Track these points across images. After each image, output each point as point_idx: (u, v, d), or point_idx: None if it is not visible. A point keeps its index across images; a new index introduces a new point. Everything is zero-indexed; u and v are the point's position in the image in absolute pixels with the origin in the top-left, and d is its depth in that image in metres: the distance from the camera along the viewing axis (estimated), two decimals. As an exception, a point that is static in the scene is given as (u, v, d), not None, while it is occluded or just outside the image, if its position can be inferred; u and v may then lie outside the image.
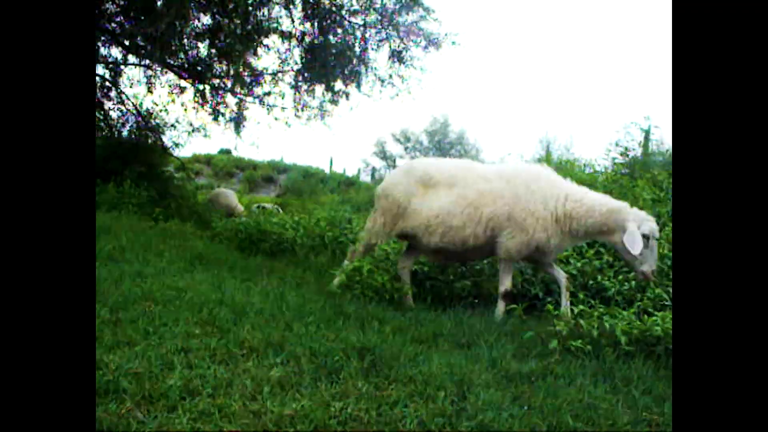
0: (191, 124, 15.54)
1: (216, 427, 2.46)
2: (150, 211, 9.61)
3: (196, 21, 14.48)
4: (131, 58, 14.96)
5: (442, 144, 28.38)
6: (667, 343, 4.00)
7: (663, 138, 11.91)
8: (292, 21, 14.77)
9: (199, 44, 15.08)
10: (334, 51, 13.92)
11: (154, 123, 15.08)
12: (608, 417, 3.00)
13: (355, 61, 14.34)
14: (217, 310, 4.06)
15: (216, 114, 15.22)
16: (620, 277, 5.52)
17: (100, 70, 15.29)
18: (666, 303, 4.93)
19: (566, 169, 10.07)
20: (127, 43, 14.41)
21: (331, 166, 30.30)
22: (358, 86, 14.26)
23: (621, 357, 3.90)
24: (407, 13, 13.87)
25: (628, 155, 11.08)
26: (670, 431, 2.94)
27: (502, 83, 64.10)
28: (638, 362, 3.82)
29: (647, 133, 11.46)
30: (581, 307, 4.30)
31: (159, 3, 13.30)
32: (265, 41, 15.30)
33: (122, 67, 14.98)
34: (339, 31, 14.17)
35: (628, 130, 11.31)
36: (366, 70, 14.32)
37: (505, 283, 5.02)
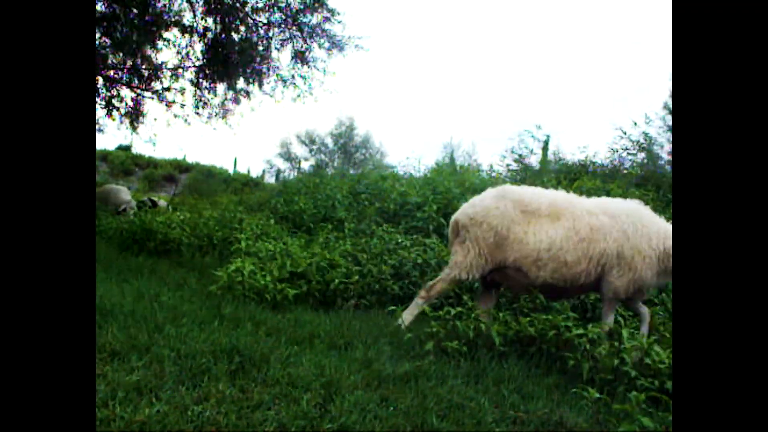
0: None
1: (57, 434, 2.32)
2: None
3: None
4: None
5: (347, 147, 28.43)
6: (542, 343, 4.12)
7: (560, 146, 12.40)
8: (194, 15, 14.41)
9: (92, 34, 14.45)
10: (236, 48, 13.66)
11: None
12: (474, 416, 3.05)
13: (258, 59, 14.13)
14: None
15: (110, 108, 14.64)
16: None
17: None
18: (545, 304, 5.10)
19: (464, 174, 10.29)
20: None
21: (235, 167, 29.73)
22: (260, 85, 14.06)
23: (495, 357, 3.98)
24: (312, 14, 13.79)
25: (522, 162, 11.46)
26: (533, 429, 3.03)
27: (407, 88, 65.03)
28: (511, 362, 3.91)
29: (546, 142, 11.90)
30: (458, 309, 4.36)
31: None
32: (165, 34, 14.85)
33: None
34: (242, 28, 13.93)
35: (522, 138, 11.71)
36: (268, 69, 14.14)
37: (609, 322, 4.73)
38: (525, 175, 10.58)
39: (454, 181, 8.30)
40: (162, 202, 12.76)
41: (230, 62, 13.96)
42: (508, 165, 11.34)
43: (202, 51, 14.72)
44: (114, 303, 4.16)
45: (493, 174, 10.97)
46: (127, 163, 26.66)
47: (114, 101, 14.62)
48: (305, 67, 13.96)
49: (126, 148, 28.45)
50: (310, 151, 29.31)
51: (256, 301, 4.84)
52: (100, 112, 14.87)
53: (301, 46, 13.83)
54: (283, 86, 14.08)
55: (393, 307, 4.79)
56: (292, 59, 13.97)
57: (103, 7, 13.59)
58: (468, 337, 4.13)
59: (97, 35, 14.38)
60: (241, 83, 14.60)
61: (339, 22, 13.49)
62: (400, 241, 6.37)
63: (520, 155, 11.58)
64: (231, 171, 29.18)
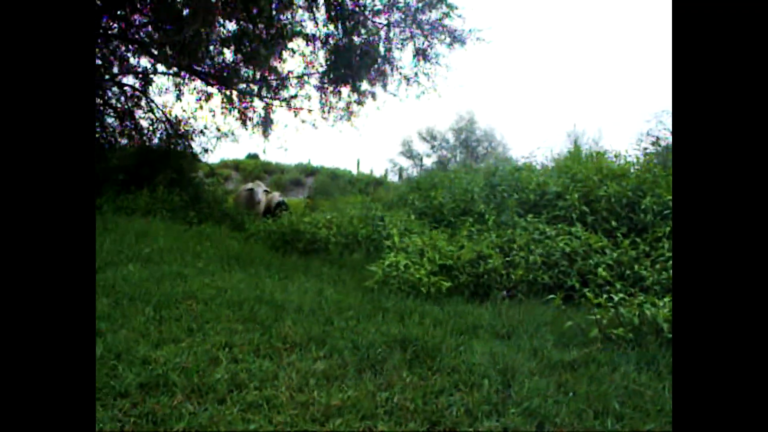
0: (219, 130, 15.71)
1: (265, 417, 2.49)
2: (183, 215, 9.74)
3: (222, 27, 14.65)
4: (160, 67, 15.16)
5: (468, 141, 28.30)
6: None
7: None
8: (316, 23, 14.87)
9: (225, 50, 15.25)
10: (358, 51, 13.98)
11: (183, 130, 15.26)
12: (656, 402, 2.97)
13: (379, 60, 14.38)
14: (257, 307, 4.10)
15: (244, 119, 15.38)
16: (657, 266, 5.45)
17: (130, 80, 15.54)
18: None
19: (596, 161, 9.97)
20: (156, 52, 14.61)
21: (358, 167, 30.40)
22: (384, 86, 14.29)
23: (663, 345, 3.85)
24: (430, 11, 13.87)
25: (660, 145, 10.90)
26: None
27: (528, 77, 63.49)
28: (682, 349, 3.77)
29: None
30: (620, 295, 4.26)
31: (185, 12, 13.49)
32: (290, 45, 15.41)
33: (152, 76, 15.17)
34: (363, 31, 14.21)
35: (659, 119, 11.11)
36: (391, 69, 14.34)
37: None
38: (664, 158, 10.08)
39: (593, 168, 8.07)
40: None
41: (353, 66, 14.29)
42: (645, 148, 10.82)
43: (325, 57, 15.15)
44: (283, 298, 4.39)
45: (630, 158, 10.55)
46: (257, 170, 27.88)
47: (247, 112, 15.33)
48: (427, 64, 14.05)
49: (254, 156, 29.73)
50: (432, 147, 29.42)
51: (411, 294, 4.94)
52: (235, 124, 15.64)
53: (422, 44, 13.93)
54: (407, 85, 14.24)
55: (552, 296, 4.74)
56: (414, 57, 14.10)
57: (235, 25, 14.30)
58: (633, 324, 4.02)
59: (229, 52, 15.18)
60: (364, 85, 14.90)
61: (459, 17, 13.46)
62: (544, 230, 6.29)
63: (657, 137, 11.02)
64: (354, 172, 29.84)
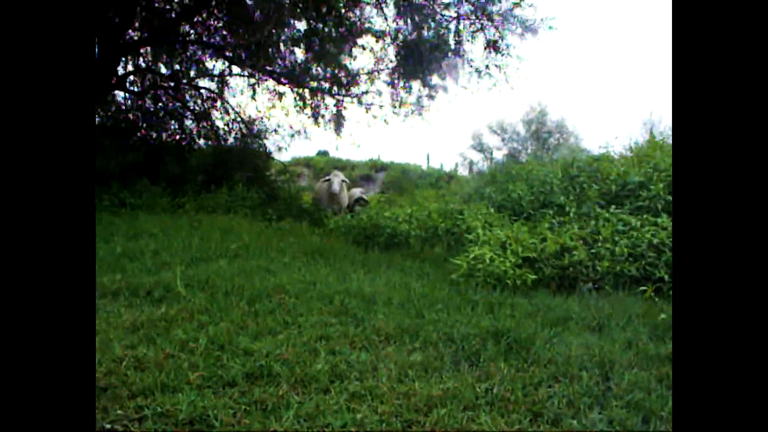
0: (292, 128, 15.97)
1: (369, 407, 2.53)
2: (262, 212, 9.98)
3: (292, 28, 14.88)
4: (234, 69, 15.52)
5: (540, 133, 27.82)
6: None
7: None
8: (385, 19, 14.91)
9: (296, 50, 15.48)
10: (428, 46, 13.95)
11: (257, 129, 15.58)
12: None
13: (450, 54, 14.32)
14: (347, 300, 4.17)
15: (316, 116, 15.58)
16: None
17: (206, 83, 15.96)
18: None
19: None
20: (230, 55, 14.98)
21: (428, 162, 30.39)
22: (456, 79, 14.20)
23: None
24: (500, 1, 13.70)
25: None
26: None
27: (600, 65, 61.81)
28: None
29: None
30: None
31: (257, 15, 13.78)
32: (360, 41, 15.52)
33: (228, 78, 15.54)
34: (432, 25, 14.17)
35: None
36: (462, 62, 14.25)
37: None
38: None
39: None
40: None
41: (423, 60, 14.28)
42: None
43: (395, 53, 15.18)
44: (372, 291, 4.44)
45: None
46: (327, 166, 28.21)
47: (319, 110, 15.53)
48: (498, 55, 13.88)
49: (325, 153, 30.08)
50: (502, 140, 29.06)
51: (497, 287, 4.92)
52: (307, 121, 15.86)
53: (493, 35, 13.77)
54: (478, 77, 14.11)
55: (642, 288, 4.63)
56: (484, 49, 13.96)
57: (305, 25, 14.50)
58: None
59: (300, 51, 15.41)
60: (435, 79, 14.87)
61: (530, 6, 13.24)
62: (629, 221, 6.14)
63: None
64: (424, 167, 29.83)
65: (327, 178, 13.85)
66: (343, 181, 13.80)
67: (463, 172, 28.36)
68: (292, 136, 15.72)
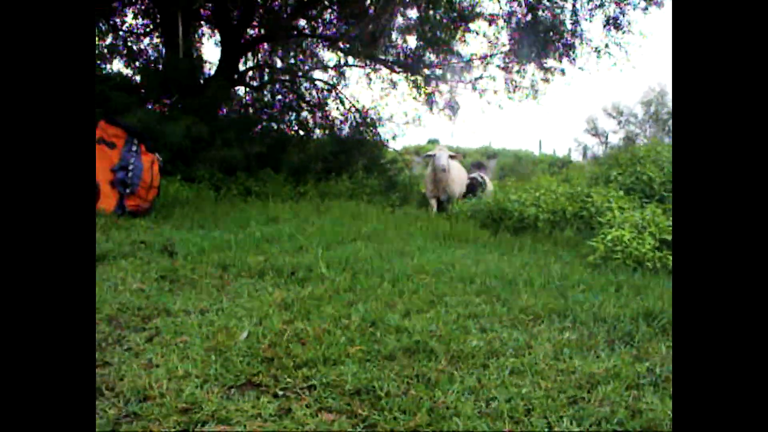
0: (406, 116, 16.09)
1: (531, 383, 2.51)
2: (383, 199, 10.14)
3: (405, 16, 14.94)
4: (349, 60, 15.80)
5: (659, 115, 26.58)
6: None
7: None
8: (498, 1, 14.68)
9: (408, 38, 15.54)
10: (543, 27, 13.61)
11: (371, 118, 15.79)
12: None
13: (566, 34, 13.90)
14: (488, 280, 4.16)
15: (430, 103, 15.60)
16: None
17: (321, 74, 16.32)
18: None
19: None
20: (344, 46, 15.24)
21: (540, 148, 29.81)
22: (573, 60, 13.79)
23: None
24: (622, -26, 13.16)
25: None
26: None
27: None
28: None
29: None
30: None
31: (368, 4, 13.92)
32: (472, 26, 15.38)
33: (344, 68, 15.83)
34: (547, 4, 13.80)
35: None
36: (579, 42, 13.81)
37: None
38: None
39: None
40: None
41: (538, 42, 13.95)
42: None
43: (508, 36, 14.92)
44: (511, 272, 4.42)
45: None
46: (438, 155, 28.23)
47: (433, 97, 15.53)
48: (619, 32, 13.36)
49: (435, 141, 30.10)
50: (618, 123, 28.01)
51: (637, 270, 4.76)
52: (421, 109, 15.91)
53: (614, 11, 13.25)
54: (597, 57, 13.64)
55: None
56: (604, 27, 13.47)
57: (416, 12, 14.53)
58: None
59: (412, 39, 15.47)
60: (550, 61, 14.50)
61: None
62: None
63: None
64: (536, 153, 29.28)
65: (430, 153, 10.78)
66: (451, 156, 10.52)
67: (576, 157, 27.59)
68: (406, 123, 15.83)
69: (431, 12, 14.29)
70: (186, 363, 2.65)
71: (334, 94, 15.83)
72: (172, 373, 2.53)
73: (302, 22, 15.50)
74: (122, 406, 2.25)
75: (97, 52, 13.76)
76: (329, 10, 15.31)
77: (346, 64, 15.88)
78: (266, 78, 15.93)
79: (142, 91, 11.83)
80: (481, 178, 12.22)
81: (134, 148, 7.26)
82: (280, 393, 2.41)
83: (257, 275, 4.28)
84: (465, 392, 2.42)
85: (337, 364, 2.67)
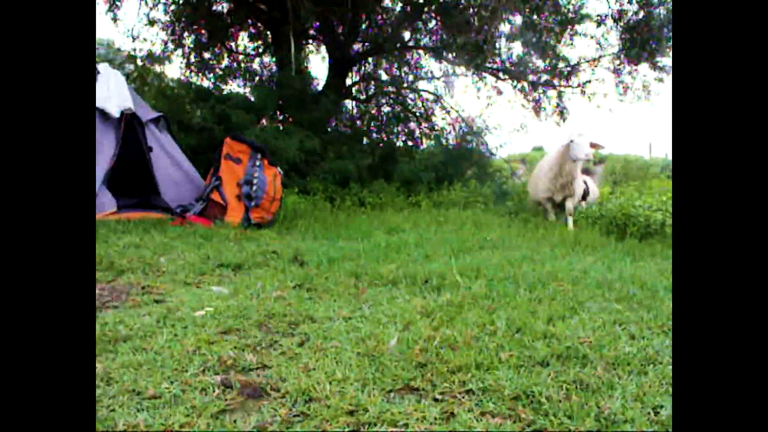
0: (512, 123, 15.97)
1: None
2: (496, 208, 10.08)
3: (509, 23, 14.82)
4: (449, 69, 15.85)
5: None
6: None
7: None
8: (608, 1, 14.33)
9: (513, 44, 15.42)
10: (658, 23, 13.14)
11: (476, 127, 15.75)
12: None
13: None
14: (627, 287, 4.05)
15: (537, 110, 15.40)
16: None
17: (425, 85, 16.45)
18: None
19: None
20: (449, 55, 15.30)
21: (650, 152, 28.69)
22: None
23: None
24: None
25: None
26: None
27: None
28: None
29: None
30: None
31: (469, 13, 13.91)
32: (579, 29, 15.07)
33: (451, 78, 15.91)
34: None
35: None
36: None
37: None
38: None
39: None
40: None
41: (651, 40, 13.49)
42: None
43: (618, 36, 14.53)
44: (650, 278, 4.29)
45: None
46: (543, 162, 27.72)
47: (541, 103, 15.33)
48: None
49: (539, 149, 29.63)
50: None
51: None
52: (528, 115, 15.72)
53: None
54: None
55: None
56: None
57: (521, 18, 14.39)
58: None
59: (517, 45, 15.33)
60: (665, 59, 13.99)
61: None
62: None
63: None
64: (645, 157, 28.21)
65: (569, 139, 8.02)
66: (593, 145, 8.15)
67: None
68: (515, 131, 15.71)
69: (536, 17, 14.13)
70: (341, 367, 2.72)
71: (439, 103, 15.92)
72: (331, 377, 2.61)
73: (406, 35, 15.69)
74: (290, 406, 2.34)
75: (216, 74, 14.49)
76: (433, 21, 15.43)
77: (451, 73, 15.93)
78: (372, 90, 16.22)
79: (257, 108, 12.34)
80: (585, 183, 11.70)
81: (258, 163, 7.58)
82: (439, 397, 2.44)
83: (390, 283, 4.35)
84: (629, 399, 2.37)
85: (491, 369, 2.68)
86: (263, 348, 3.03)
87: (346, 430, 2.17)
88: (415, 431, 2.14)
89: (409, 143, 14.80)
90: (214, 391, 2.43)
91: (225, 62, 15.42)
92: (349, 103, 15.84)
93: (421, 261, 5.04)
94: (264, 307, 3.67)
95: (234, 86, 15.62)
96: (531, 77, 15.16)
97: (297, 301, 3.91)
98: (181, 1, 14.74)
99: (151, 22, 14.89)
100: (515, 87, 15.37)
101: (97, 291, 4.10)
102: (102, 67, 8.09)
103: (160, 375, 2.57)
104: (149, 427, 2.10)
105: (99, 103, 7.59)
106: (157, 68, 15.07)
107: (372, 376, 2.62)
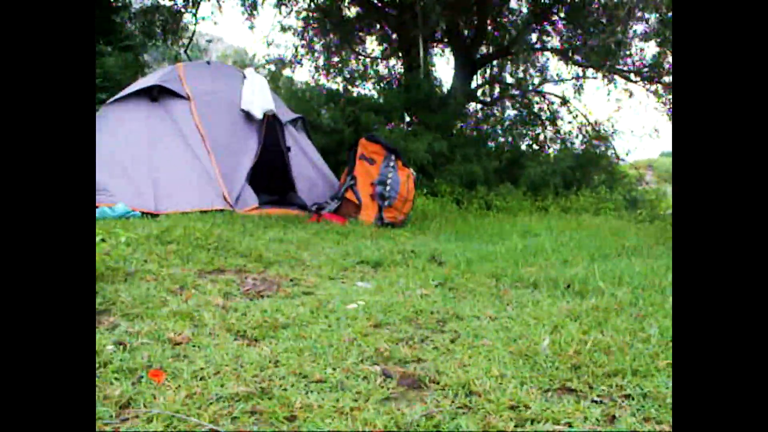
0: (644, 128, 15.45)
1: None
2: (626, 214, 9.83)
3: (644, 21, 14.33)
4: (584, 72, 15.51)
5: None
6: None
7: None
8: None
9: (645, 45, 14.89)
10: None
11: (604, 132, 15.35)
12: None
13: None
14: None
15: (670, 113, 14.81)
16: None
17: (551, 87, 16.19)
18: None
19: None
20: (578, 58, 14.99)
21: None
22: None
23: None
24: None
25: None
26: None
27: None
28: None
29: None
30: None
31: (599, 13, 13.55)
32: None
33: (579, 81, 15.61)
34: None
35: None
36: None
37: None
38: None
39: None
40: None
41: None
42: None
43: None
44: None
45: None
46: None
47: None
48: None
49: (667, 155, 28.46)
50: None
51: None
52: (661, 119, 15.12)
53: None
54: None
55: None
56: None
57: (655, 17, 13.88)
58: None
59: (650, 46, 14.77)
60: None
61: None
62: None
63: None
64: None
65: None
66: None
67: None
68: (646, 136, 15.20)
69: (671, 14, 13.58)
70: (495, 364, 2.81)
71: (566, 107, 15.64)
72: (488, 373, 2.70)
73: (533, 37, 15.52)
74: (452, 398, 2.45)
75: (345, 76, 14.95)
76: (561, 23, 15.18)
77: (580, 76, 15.60)
78: (498, 93, 16.17)
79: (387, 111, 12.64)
80: None
81: (392, 164, 7.80)
82: (597, 399, 2.48)
83: (532, 286, 4.39)
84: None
85: (648, 376, 2.68)
86: (416, 342, 3.16)
87: (511, 424, 2.25)
88: (580, 431, 2.20)
89: (535, 146, 14.64)
90: (375, 380, 2.57)
91: (353, 65, 15.88)
92: (473, 106, 15.88)
93: (560, 265, 5.04)
94: (411, 304, 3.81)
95: (361, 89, 16.07)
96: (665, 79, 14.57)
97: (442, 299, 4.03)
98: (312, 7, 15.33)
99: (284, 29, 15.58)
100: (648, 89, 14.84)
101: (250, 281, 4.40)
102: (248, 72, 8.60)
103: (323, 361, 2.74)
104: (321, 408, 2.26)
105: (244, 106, 8.10)
106: (288, 72, 15.75)
107: (528, 374, 2.69)
